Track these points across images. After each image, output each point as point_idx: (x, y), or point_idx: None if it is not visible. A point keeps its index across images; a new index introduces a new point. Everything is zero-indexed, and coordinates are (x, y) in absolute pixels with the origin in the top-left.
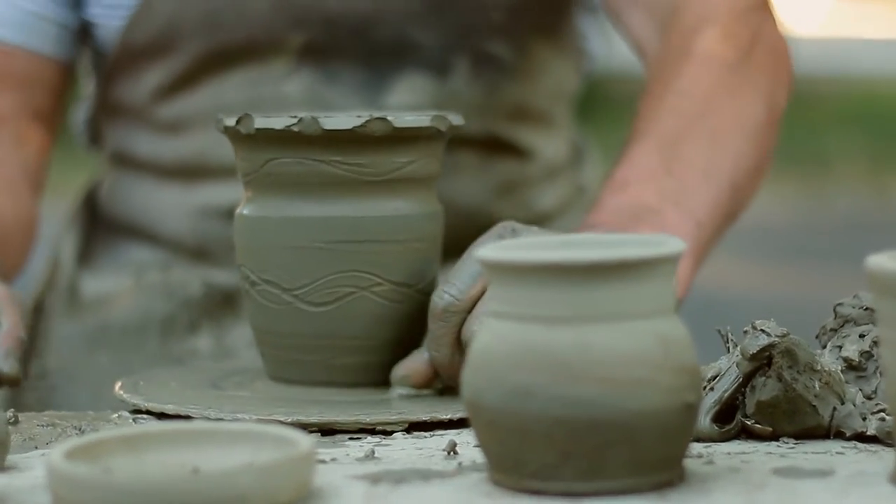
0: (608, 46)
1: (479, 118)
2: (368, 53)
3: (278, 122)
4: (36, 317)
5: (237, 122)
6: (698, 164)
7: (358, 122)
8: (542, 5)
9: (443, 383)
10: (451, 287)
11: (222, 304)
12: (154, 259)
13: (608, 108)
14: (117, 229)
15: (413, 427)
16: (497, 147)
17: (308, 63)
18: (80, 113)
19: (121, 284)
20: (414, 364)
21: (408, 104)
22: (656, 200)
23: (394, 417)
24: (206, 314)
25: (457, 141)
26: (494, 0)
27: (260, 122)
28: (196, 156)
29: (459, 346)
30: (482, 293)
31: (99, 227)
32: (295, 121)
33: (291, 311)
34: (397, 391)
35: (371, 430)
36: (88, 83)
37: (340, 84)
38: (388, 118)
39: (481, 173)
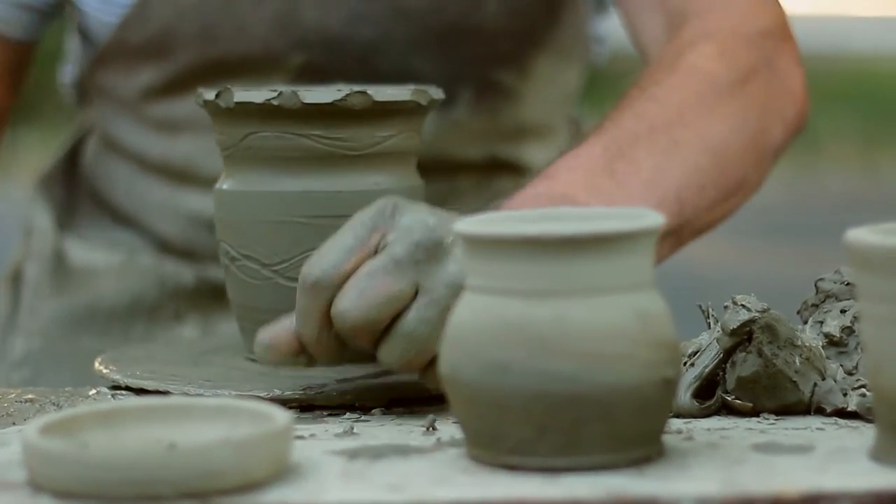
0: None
1: (480, 144)
2: (369, 80)
3: (258, 96)
4: (16, 287)
5: (216, 95)
6: (644, 170)
7: (338, 95)
8: (550, 27)
9: (307, 359)
10: (323, 260)
11: (212, 297)
12: (144, 244)
13: (603, 86)
14: (103, 206)
15: (393, 403)
16: (496, 168)
17: (305, 84)
18: (66, 72)
19: (111, 260)
20: (279, 333)
21: None
22: (584, 195)
23: (375, 393)
24: (193, 305)
25: (456, 166)
26: (501, 29)
27: (239, 95)
28: (184, 160)
29: (329, 323)
30: (356, 268)
31: (81, 193)
32: (275, 94)
33: (271, 287)
34: (259, 363)
35: (351, 407)
36: (73, 43)
37: None
38: (369, 92)
39: (479, 194)
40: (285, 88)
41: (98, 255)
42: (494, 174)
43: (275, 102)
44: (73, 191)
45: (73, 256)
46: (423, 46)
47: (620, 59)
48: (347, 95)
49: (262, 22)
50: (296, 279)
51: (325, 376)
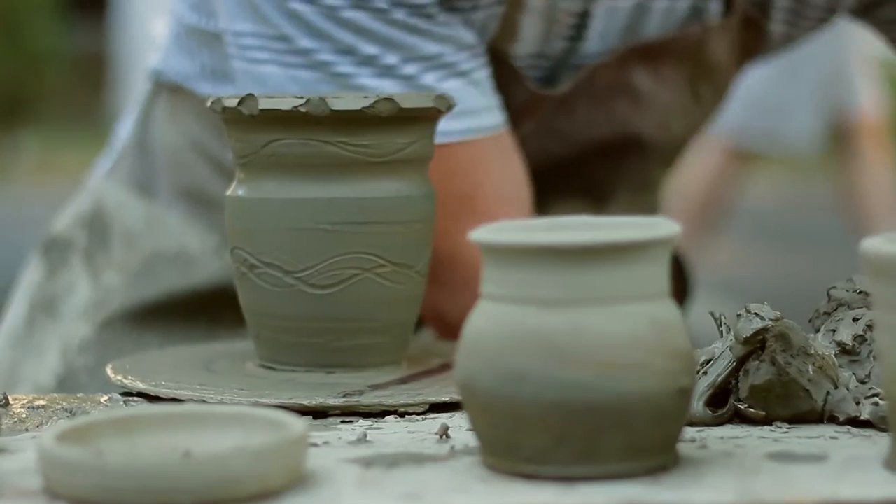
0: None
1: None
2: (532, 173)
3: (284, 103)
4: (86, 267)
5: (239, 102)
6: None
7: (366, 102)
8: (704, 127)
9: None
10: None
11: None
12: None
13: None
14: (192, 196)
15: (434, 408)
16: None
17: None
18: (161, 64)
19: (206, 242)
20: None
21: None
22: None
23: (415, 399)
24: None
25: None
26: (677, 144)
27: (264, 102)
28: None
29: None
30: None
31: (160, 177)
32: (302, 101)
33: (294, 294)
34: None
35: (364, 413)
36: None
37: None
38: (395, 99)
39: None
40: (312, 95)
41: (192, 239)
42: None
43: (303, 109)
44: (152, 174)
45: (166, 237)
46: (604, 158)
47: None
48: (374, 102)
49: None
50: (319, 286)
51: (355, 383)
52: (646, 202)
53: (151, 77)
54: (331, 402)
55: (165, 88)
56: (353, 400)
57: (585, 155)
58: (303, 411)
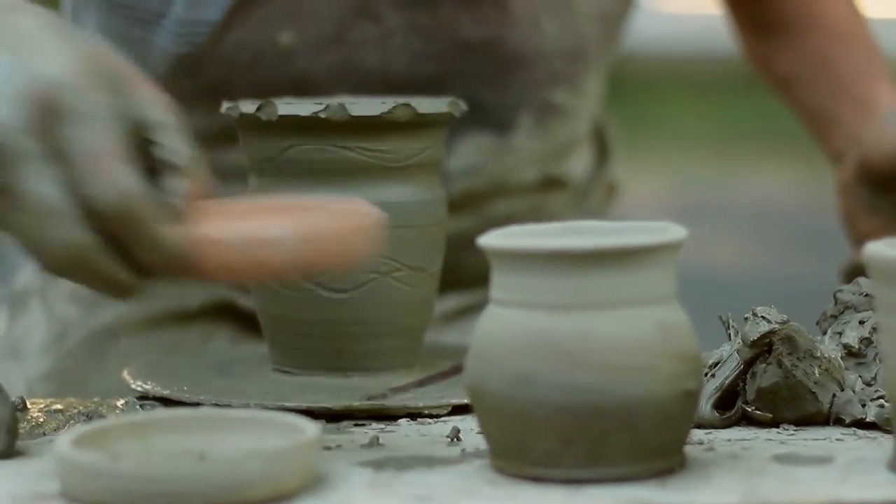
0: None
1: (535, 165)
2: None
3: (303, 109)
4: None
5: (258, 108)
6: None
7: (384, 108)
8: (602, 44)
9: None
10: None
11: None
12: None
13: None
14: None
15: (457, 409)
16: (548, 187)
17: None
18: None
19: None
20: None
21: (470, 165)
22: None
23: (439, 401)
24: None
25: (513, 191)
26: (558, 50)
27: (283, 108)
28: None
29: None
30: None
31: None
32: (322, 107)
33: (311, 298)
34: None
35: (377, 417)
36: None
37: None
38: (412, 104)
39: (536, 216)
40: (332, 101)
41: None
42: (547, 194)
43: (322, 115)
44: None
45: None
46: (485, 76)
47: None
48: (393, 108)
49: (320, 72)
50: (337, 290)
51: (374, 386)
52: (554, 131)
53: None
54: (357, 405)
55: None
56: (378, 403)
57: (462, 71)
58: (329, 415)
